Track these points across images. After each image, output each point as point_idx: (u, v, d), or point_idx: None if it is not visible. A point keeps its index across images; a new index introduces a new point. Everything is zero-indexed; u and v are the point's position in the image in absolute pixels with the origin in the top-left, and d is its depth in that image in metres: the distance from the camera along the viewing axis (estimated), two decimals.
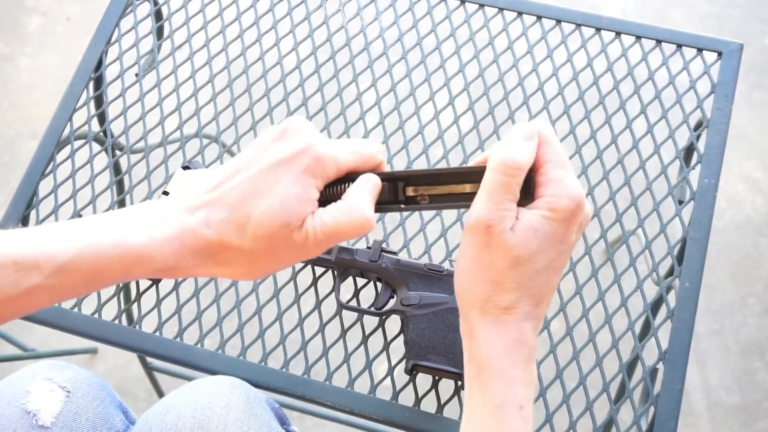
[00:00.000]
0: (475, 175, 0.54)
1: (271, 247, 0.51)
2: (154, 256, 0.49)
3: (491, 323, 0.52)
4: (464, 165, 0.58)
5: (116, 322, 0.83)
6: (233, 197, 0.50)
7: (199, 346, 0.81)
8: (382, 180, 0.57)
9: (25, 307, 0.49)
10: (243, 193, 0.50)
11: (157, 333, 0.82)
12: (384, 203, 0.57)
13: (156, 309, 0.84)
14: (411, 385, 0.79)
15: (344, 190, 0.55)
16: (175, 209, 0.51)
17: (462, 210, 0.86)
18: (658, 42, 0.97)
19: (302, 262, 0.84)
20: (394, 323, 0.82)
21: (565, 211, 0.51)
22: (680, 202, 0.89)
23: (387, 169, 0.58)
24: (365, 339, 0.81)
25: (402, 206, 0.58)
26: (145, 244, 0.49)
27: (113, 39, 1.00)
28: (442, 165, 0.92)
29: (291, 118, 0.53)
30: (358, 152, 0.55)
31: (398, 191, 0.57)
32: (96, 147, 0.95)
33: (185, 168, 0.87)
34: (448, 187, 0.57)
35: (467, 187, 0.56)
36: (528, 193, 0.53)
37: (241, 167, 0.51)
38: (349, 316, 0.83)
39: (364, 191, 0.53)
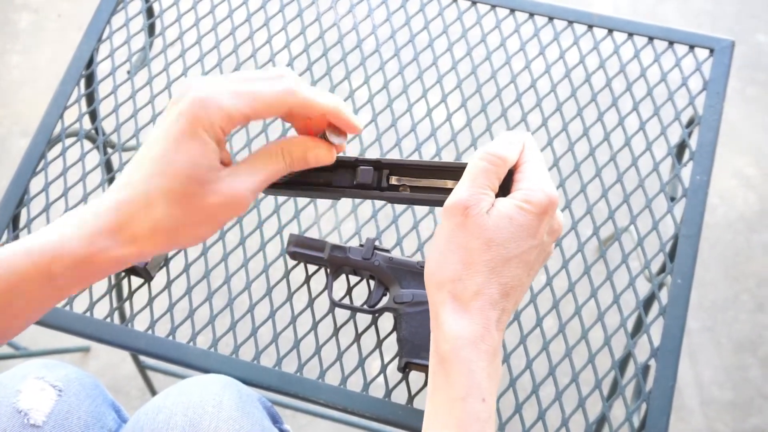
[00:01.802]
0: (459, 172, 0.55)
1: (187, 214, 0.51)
2: (64, 245, 0.49)
3: (460, 312, 0.52)
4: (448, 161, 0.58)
5: (108, 320, 0.83)
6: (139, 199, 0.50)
7: (191, 344, 0.81)
8: (369, 165, 0.58)
9: None
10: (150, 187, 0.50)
11: (150, 331, 0.82)
12: (365, 187, 0.58)
13: (148, 307, 0.84)
14: (404, 383, 0.79)
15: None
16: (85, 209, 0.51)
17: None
18: (650, 39, 0.97)
19: (294, 261, 0.84)
20: (387, 321, 0.82)
21: (538, 204, 0.53)
22: (672, 199, 0.89)
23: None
24: (358, 337, 0.81)
25: (381, 193, 0.58)
26: (55, 239, 0.49)
27: (104, 36, 1.00)
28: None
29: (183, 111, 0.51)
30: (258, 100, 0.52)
31: (382, 178, 0.58)
32: (87, 144, 0.95)
33: None
34: (431, 180, 0.58)
35: (449, 183, 0.57)
36: (505, 191, 0.55)
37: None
38: (341, 314, 0.83)
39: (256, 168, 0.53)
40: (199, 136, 0.50)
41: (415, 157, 0.92)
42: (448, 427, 0.52)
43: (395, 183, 0.58)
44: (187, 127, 0.50)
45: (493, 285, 0.52)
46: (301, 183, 0.59)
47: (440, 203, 0.56)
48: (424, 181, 0.58)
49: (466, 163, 0.55)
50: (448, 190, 0.56)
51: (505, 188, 0.55)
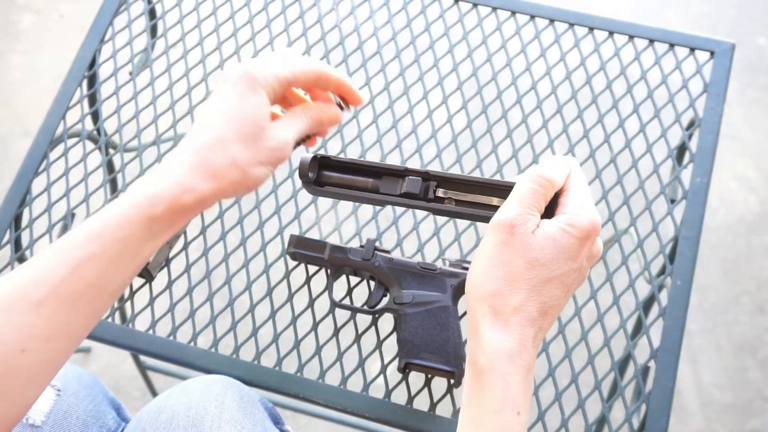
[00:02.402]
0: (506, 191, 0.57)
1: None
2: (162, 189, 0.56)
3: (499, 326, 0.54)
4: (496, 179, 0.60)
5: (109, 320, 0.83)
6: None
7: (192, 344, 0.81)
8: (417, 175, 0.60)
9: (76, 284, 0.54)
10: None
11: (151, 331, 0.82)
12: (412, 197, 0.59)
13: (149, 307, 0.84)
14: (404, 384, 0.79)
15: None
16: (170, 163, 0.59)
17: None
18: (651, 41, 0.97)
19: (295, 261, 0.84)
20: (387, 322, 0.82)
21: (582, 229, 0.54)
22: (672, 201, 0.89)
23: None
24: (358, 337, 0.82)
25: (427, 204, 0.60)
26: (153, 188, 0.57)
27: (107, 37, 1.00)
28: (436, 164, 0.92)
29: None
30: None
31: (429, 189, 0.60)
32: (89, 145, 0.95)
33: None
34: (476, 196, 0.60)
35: (494, 200, 0.59)
36: (549, 213, 0.56)
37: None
38: (342, 315, 0.83)
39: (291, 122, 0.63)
40: (258, 92, 0.60)
41: (415, 159, 0.92)
42: None
43: (441, 195, 0.60)
44: (249, 86, 0.60)
45: (532, 303, 0.54)
46: (348, 187, 0.61)
47: (484, 219, 0.58)
48: (469, 196, 0.60)
49: (514, 183, 0.57)
50: (493, 207, 0.57)
51: (549, 210, 0.56)
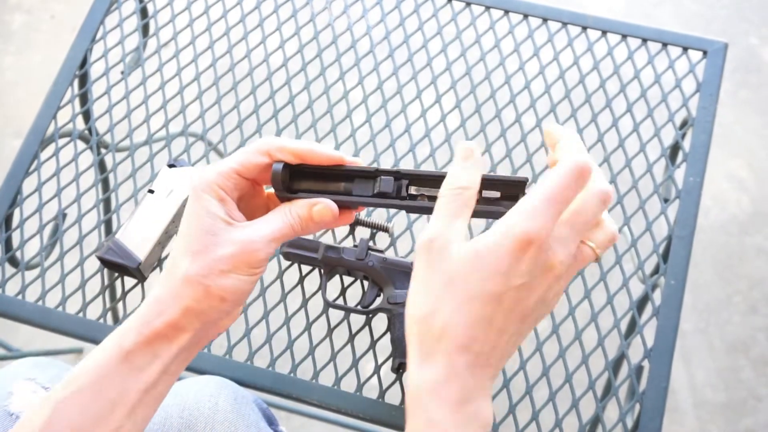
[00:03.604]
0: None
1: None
2: (130, 323, 0.54)
3: (424, 356, 0.49)
4: None
5: (101, 321, 0.83)
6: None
7: None
8: (389, 175, 0.59)
9: (58, 425, 0.52)
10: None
11: None
12: (386, 196, 0.59)
13: None
14: (397, 384, 0.79)
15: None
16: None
17: None
18: (644, 41, 0.97)
19: (288, 261, 0.84)
20: (380, 322, 0.82)
21: (515, 239, 0.47)
22: (666, 201, 0.89)
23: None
24: (352, 337, 0.81)
25: (401, 202, 0.59)
26: (125, 323, 0.55)
27: (98, 36, 0.99)
28: (429, 163, 0.92)
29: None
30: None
31: (402, 188, 0.60)
32: (81, 145, 0.94)
33: (171, 166, 0.86)
34: None
35: None
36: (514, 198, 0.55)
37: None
38: (335, 315, 0.83)
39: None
40: (202, 198, 0.55)
41: (408, 158, 0.92)
42: None
43: (414, 193, 0.60)
44: (194, 197, 0.56)
45: (457, 326, 0.48)
46: (323, 192, 0.61)
47: None
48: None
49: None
50: None
51: (516, 196, 0.55)
